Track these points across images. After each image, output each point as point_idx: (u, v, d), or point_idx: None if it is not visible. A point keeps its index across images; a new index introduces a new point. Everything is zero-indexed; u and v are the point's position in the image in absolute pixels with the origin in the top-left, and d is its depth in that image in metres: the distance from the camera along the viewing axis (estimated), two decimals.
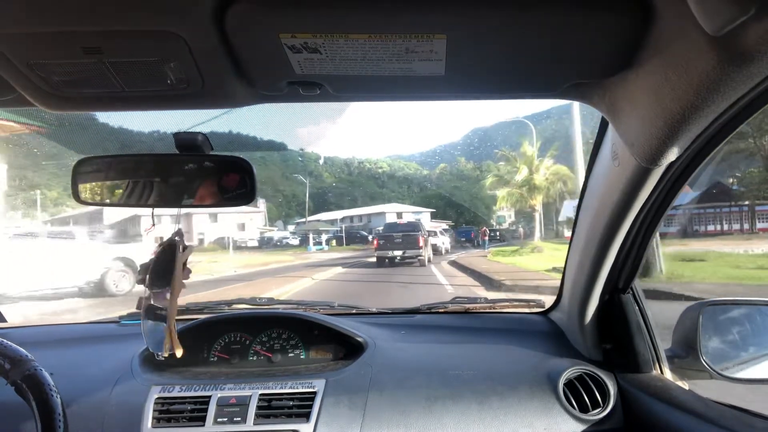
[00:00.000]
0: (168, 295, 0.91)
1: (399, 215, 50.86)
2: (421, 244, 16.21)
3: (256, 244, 38.77)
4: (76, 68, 0.69)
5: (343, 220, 50.91)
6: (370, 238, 38.09)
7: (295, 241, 38.86)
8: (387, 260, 16.54)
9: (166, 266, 0.91)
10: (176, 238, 0.93)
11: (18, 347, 0.80)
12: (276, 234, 44.08)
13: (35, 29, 0.61)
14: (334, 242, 39.20)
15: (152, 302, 0.91)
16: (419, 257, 16.26)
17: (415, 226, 18.07)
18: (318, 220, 48.34)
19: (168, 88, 0.74)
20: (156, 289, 0.91)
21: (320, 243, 36.43)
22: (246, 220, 43.15)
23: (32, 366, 0.78)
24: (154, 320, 0.92)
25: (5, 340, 0.80)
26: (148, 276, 0.91)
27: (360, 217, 53.05)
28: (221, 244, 35.13)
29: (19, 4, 0.58)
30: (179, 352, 0.93)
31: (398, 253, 16.32)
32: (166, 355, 0.93)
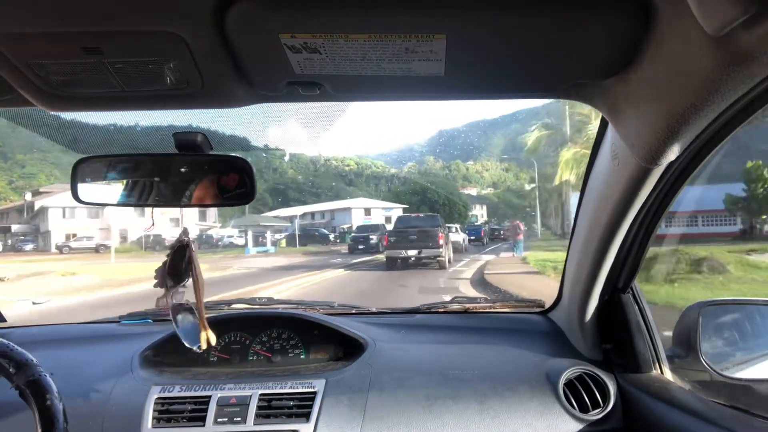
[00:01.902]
0: (192, 292, 0.95)
1: (367, 211, 46.32)
2: (441, 242, 13.36)
3: None
4: (76, 68, 0.69)
5: (303, 216, 45.11)
6: (331, 237, 33.22)
7: (242, 240, 31.56)
8: (399, 261, 13.72)
9: (180, 266, 0.93)
10: (185, 237, 0.94)
11: (24, 351, 0.80)
12: (217, 232, 35.54)
13: (35, 29, 0.62)
14: (283, 242, 32.14)
15: (175, 301, 0.95)
16: (438, 258, 13.39)
17: (433, 220, 15.28)
18: (276, 216, 42.09)
19: (168, 88, 0.74)
20: (177, 289, 0.94)
21: (264, 243, 29.45)
22: (180, 215, 37.13)
23: (37, 372, 0.78)
24: (185, 317, 0.96)
25: (12, 344, 0.80)
26: (165, 278, 0.92)
27: (322, 213, 47.35)
28: (142, 244, 30.20)
29: (19, 4, 0.58)
30: (213, 340, 0.98)
31: (413, 252, 13.44)
32: (204, 347, 0.96)
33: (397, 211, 49.15)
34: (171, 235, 31.86)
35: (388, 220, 45.48)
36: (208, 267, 16.44)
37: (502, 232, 35.44)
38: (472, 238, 27.59)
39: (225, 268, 16.51)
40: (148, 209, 0.96)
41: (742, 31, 0.48)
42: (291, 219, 40.94)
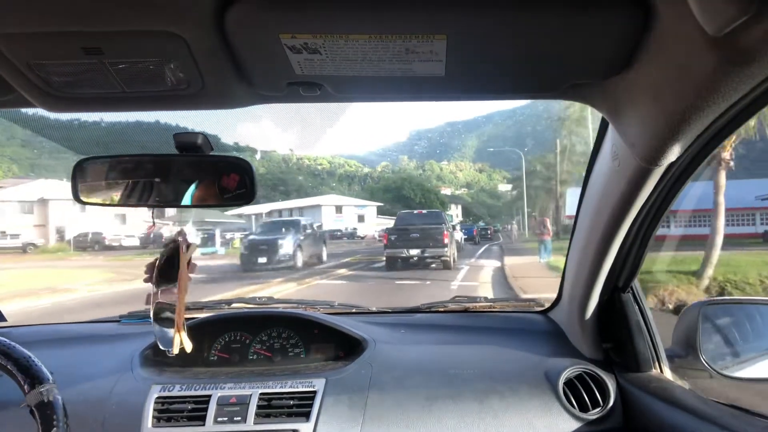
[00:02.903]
0: (175, 292, 0.93)
1: (338, 209, 44.83)
2: (446, 241, 12.51)
3: (136, 242, 27.84)
4: (76, 69, 0.69)
5: (270, 214, 41.46)
6: None
7: (196, 240, 24.69)
8: (400, 261, 12.82)
9: (172, 264, 0.92)
10: (179, 237, 0.94)
11: (43, 368, 0.80)
12: (171, 230, 25.26)
13: (36, 29, 0.61)
14: (237, 242, 25.98)
15: (160, 299, 0.93)
16: (443, 258, 12.61)
17: (437, 217, 14.24)
18: (239, 214, 38.05)
19: (168, 88, 0.74)
20: (163, 287, 0.93)
21: (212, 245, 24.87)
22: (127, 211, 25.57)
23: (50, 394, 0.78)
24: (163, 318, 0.94)
25: (32, 356, 0.80)
26: (155, 274, 0.92)
27: (290, 210, 43.95)
28: (78, 244, 26.83)
29: (19, 4, 0.58)
30: (189, 347, 0.94)
31: (415, 252, 12.53)
32: (175, 351, 0.94)
33: (371, 209, 47.12)
34: (113, 233, 28.62)
35: (360, 218, 44.47)
36: (114, 276, 12.55)
37: (489, 232, 36.12)
38: (466, 237, 26.99)
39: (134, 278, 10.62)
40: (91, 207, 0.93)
41: (742, 31, 0.48)
42: (256, 217, 37.91)
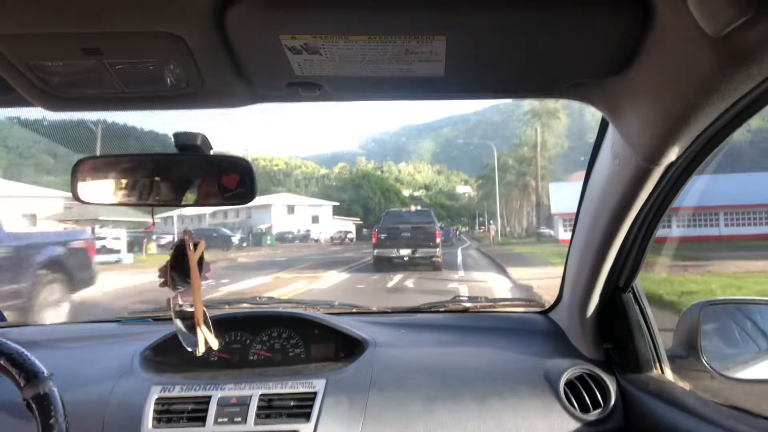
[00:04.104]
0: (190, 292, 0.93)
1: (290, 209, 42.48)
2: (438, 240, 12.42)
3: None
4: (75, 69, 0.69)
5: (214, 214, 40.75)
6: (235, 239, 25.89)
7: (118, 244, 19.94)
8: (388, 262, 12.51)
9: (183, 265, 0.93)
10: (185, 236, 0.94)
11: (37, 362, 0.80)
12: (85, 233, 15.08)
13: (35, 30, 0.62)
14: (152, 247, 22.35)
15: (180, 302, 0.94)
16: (434, 258, 12.37)
17: (427, 216, 14.09)
18: (180, 215, 32.59)
19: (167, 88, 0.74)
20: (179, 289, 0.93)
21: (116, 251, 19.31)
22: (38, 210, 19.23)
23: (47, 387, 0.78)
24: (183, 319, 0.95)
25: (26, 352, 0.80)
26: (169, 277, 0.92)
27: (237, 211, 41.59)
28: None
29: (19, 4, 0.58)
30: (214, 344, 0.95)
31: (406, 252, 12.28)
32: (201, 350, 0.94)
33: (326, 208, 44.83)
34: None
35: (315, 219, 42.75)
36: None
37: (458, 233, 37.11)
38: (443, 239, 27.01)
39: None
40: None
41: (742, 31, 0.48)
42: (199, 218, 36.20)
